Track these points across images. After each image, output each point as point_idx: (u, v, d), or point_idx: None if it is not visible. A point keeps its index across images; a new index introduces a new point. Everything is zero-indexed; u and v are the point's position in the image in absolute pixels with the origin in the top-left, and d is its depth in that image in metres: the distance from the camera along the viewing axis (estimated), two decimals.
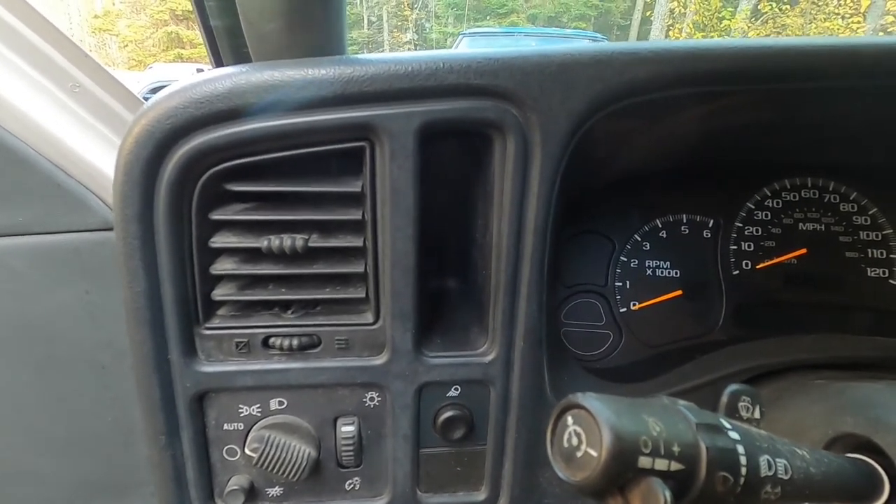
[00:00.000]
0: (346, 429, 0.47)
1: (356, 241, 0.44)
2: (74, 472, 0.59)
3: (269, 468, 0.44)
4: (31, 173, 0.51)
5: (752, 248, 0.65)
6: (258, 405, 0.46)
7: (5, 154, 0.50)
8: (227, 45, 0.57)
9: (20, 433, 0.56)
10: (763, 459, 0.26)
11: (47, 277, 0.52)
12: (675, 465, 0.23)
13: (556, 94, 0.41)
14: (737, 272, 0.65)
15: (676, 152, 0.58)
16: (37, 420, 0.56)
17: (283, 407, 0.46)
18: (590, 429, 0.23)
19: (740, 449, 0.26)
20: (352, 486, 0.49)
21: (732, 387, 0.30)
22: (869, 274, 0.64)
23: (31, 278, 0.52)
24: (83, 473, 0.59)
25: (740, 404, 0.30)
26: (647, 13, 15.92)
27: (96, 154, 0.53)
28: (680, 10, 14.46)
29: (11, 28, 0.54)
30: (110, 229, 0.52)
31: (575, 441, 0.23)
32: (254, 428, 0.46)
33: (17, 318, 0.53)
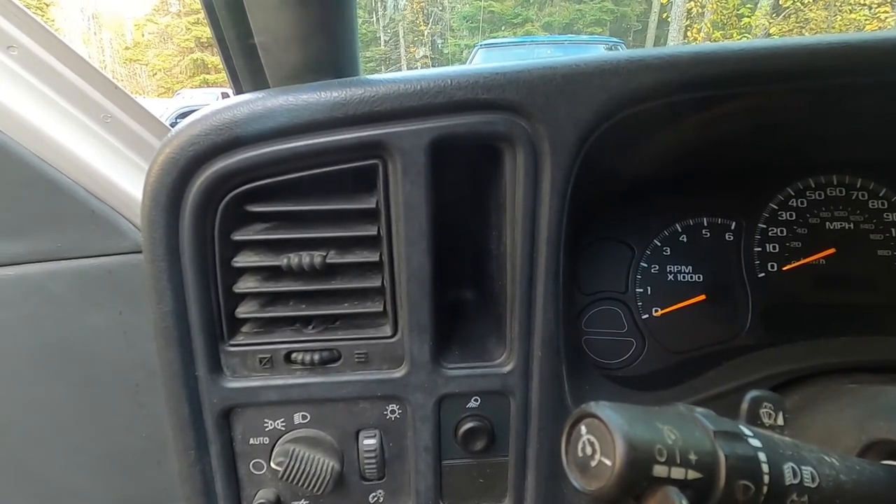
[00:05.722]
0: (368, 442, 0.47)
1: (373, 257, 0.45)
2: (111, 488, 0.61)
3: (295, 481, 0.45)
4: (67, 201, 0.53)
5: (777, 250, 0.63)
6: (282, 419, 0.47)
7: (44, 183, 0.53)
8: (245, 71, 0.59)
9: (59, 451, 0.59)
10: (787, 467, 0.26)
11: (83, 300, 0.55)
12: (692, 474, 0.23)
13: (563, 105, 0.41)
14: (762, 275, 0.63)
15: (691, 156, 0.57)
16: (74, 438, 0.58)
17: (306, 421, 0.47)
18: (603, 438, 0.23)
19: (762, 456, 0.25)
20: (375, 498, 0.50)
21: (753, 393, 0.30)
22: None
23: (67, 301, 0.55)
24: (119, 490, 0.61)
25: (762, 410, 0.29)
26: (664, 15, 15.76)
27: (127, 180, 0.56)
28: (697, 10, 14.27)
29: (48, 66, 0.58)
30: (141, 252, 0.54)
31: (589, 450, 0.23)
32: (279, 442, 0.47)
33: (55, 339, 0.55)
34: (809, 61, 0.42)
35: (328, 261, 0.44)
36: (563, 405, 0.48)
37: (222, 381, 0.45)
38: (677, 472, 0.23)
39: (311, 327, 0.47)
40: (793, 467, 0.26)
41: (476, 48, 6.38)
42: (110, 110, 0.61)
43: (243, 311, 0.45)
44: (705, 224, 0.64)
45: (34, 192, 0.53)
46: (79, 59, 0.59)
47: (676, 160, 0.58)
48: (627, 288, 0.64)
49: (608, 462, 0.22)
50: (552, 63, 0.42)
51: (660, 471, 0.22)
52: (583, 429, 0.24)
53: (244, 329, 0.47)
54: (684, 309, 0.63)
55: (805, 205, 0.63)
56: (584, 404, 0.25)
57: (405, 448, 0.49)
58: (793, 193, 0.63)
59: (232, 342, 0.46)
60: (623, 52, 0.42)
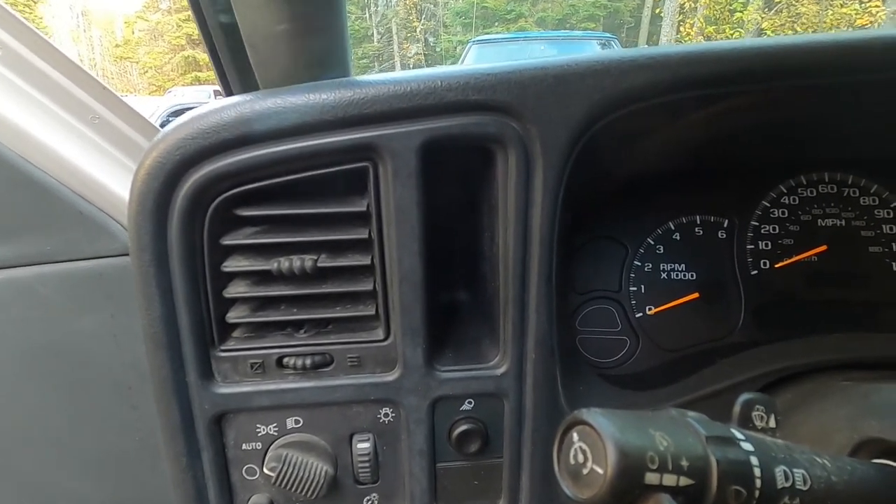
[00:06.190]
0: (362, 445, 0.47)
1: (364, 260, 0.44)
2: (105, 492, 0.60)
3: (288, 487, 0.45)
4: (55, 203, 0.53)
5: (769, 247, 0.63)
6: (275, 424, 0.47)
7: (32, 186, 0.52)
8: (234, 73, 0.58)
9: (52, 456, 0.58)
10: (779, 470, 0.26)
11: (73, 303, 0.54)
12: (684, 480, 0.23)
13: (555, 106, 0.41)
14: (755, 272, 0.63)
15: (684, 155, 0.57)
16: (67, 442, 0.58)
17: (299, 425, 0.47)
18: (595, 445, 0.23)
19: (754, 460, 0.25)
20: (370, 502, 0.50)
21: (745, 395, 0.30)
22: (894, 269, 0.62)
23: (58, 304, 0.54)
24: (114, 493, 0.61)
25: (754, 413, 0.29)
26: (657, 10, 15.78)
27: (116, 181, 0.55)
28: (690, 5, 14.30)
29: (34, 66, 0.57)
30: None
31: (581, 458, 0.23)
32: (271, 447, 0.47)
33: (46, 342, 0.55)
34: (802, 59, 0.42)
35: (319, 264, 0.44)
36: (557, 406, 0.48)
37: (213, 386, 0.45)
38: (669, 479, 0.23)
39: (302, 331, 0.47)
40: (785, 470, 0.26)
41: (469, 45, 6.36)
42: (98, 111, 0.60)
43: (234, 315, 0.45)
44: (698, 222, 0.64)
45: (21, 194, 0.52)
46: (65, 60, 0.58)
47: (669, 159, 0.58)
48: (621, 286, 0.64)
49: (600, 470, 0.22)
50: (543, 63, 0.41)
51: (651, 478, 0.22)
52: (574, 436, 0.24)
53: (235, 334, 0.46)
54: (678, 307, 0.63)
55: (797, 202, 0.63)
56: (576, 411, 0.24)
57: (399, 451, 0.49)
58: (785, 191, 0.64)
59: (223, 347, 0.45)
60: (615, 52, 0.42)
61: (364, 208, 0.43)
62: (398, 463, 0.49)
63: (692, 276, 0.64)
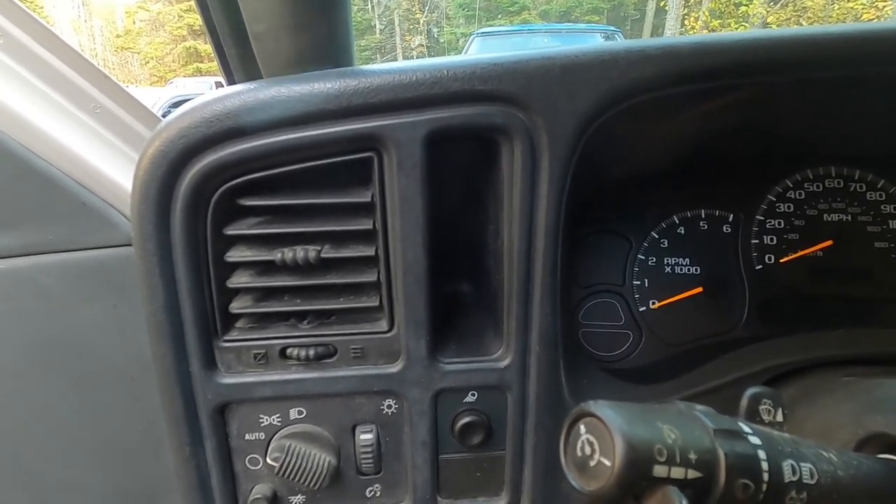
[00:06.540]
0: (365, 436, 0.47)
1: (368, 251, 0.44)
2: (108, 482, 0.61)
3: (291, 477, 0.45)
4: (57, 193, 0.53)
5: (774, 242, 0.63)
6: (278, 415, 0.47)
7: (33, 176, 0.52)
8: (237, 61, 0.58)
9: (55, 447, 0.58)
10: (786, 464, 0.26)
11: (76, 293, 0.54)
12: (692, 473, 0.23)
13: (561, 97, 0.41)
14: (760, 267, 0.63)
15: (689, 148, 0.57)
16: (70, 433, 0.58)
17: (302, 416, 0.47)
18: (602, 437, 0.23)
19: (761, 454, 0.25)
20: (372, 493, 0.50)
21: (753, 389, 0.29)
22: None
23: (60, 294, 0.54)
24: (116, 483, 0.61)
25: (761, 407, 0.29)
26: (661, 3, 15.65)
27: (118, 171, 0.55)
28: None
29: (36, 55, 0.57)
30: None
31: (588, 450, 0.23)
32: (275, 437, 0.47)
33: (49, 333, 0.55)
34: (810, 50, 0.41)
35: (323, 255, 0.43)
36: (560, 400, 0.48)
37: (216, 376, 0.45)
38: (677, 472, 0.22)
39: (305, 322, 0.46)
40: (792, 464, 0.26)
41: (472, 37, 6.33)
42: (100, 100, 0.60)
43: (237, 306, 0.45)
44: (703, 216, 0.64)
45: (23, 184, 0.52)
46: (68, 49, 0.58)
47: (674, 152, 0.57)
48: (625, 280, 0.64)
49: (607, 462, 0.22)
50: (550, 54, 0.41)
51: (660, 471, 0.22)
52: (582, 428, 0.24)
53: (238, 324, 0.46)
54: (681, 301, 0.63)
55: (803, 196, 0.63)
56: (583, 403, 0.24)
57: (402, 443, 0.49)
58: (791, 185, 0.63)
59: (226, 337, 0.45)
60: (622, 43, 0.41)
61: (368, 199, 0.43)
62: (401, 454, 0.49)
63: (696, 270, 0.64)
